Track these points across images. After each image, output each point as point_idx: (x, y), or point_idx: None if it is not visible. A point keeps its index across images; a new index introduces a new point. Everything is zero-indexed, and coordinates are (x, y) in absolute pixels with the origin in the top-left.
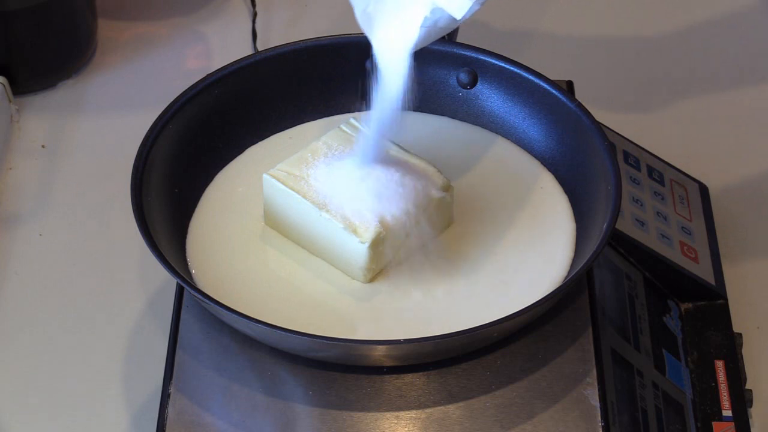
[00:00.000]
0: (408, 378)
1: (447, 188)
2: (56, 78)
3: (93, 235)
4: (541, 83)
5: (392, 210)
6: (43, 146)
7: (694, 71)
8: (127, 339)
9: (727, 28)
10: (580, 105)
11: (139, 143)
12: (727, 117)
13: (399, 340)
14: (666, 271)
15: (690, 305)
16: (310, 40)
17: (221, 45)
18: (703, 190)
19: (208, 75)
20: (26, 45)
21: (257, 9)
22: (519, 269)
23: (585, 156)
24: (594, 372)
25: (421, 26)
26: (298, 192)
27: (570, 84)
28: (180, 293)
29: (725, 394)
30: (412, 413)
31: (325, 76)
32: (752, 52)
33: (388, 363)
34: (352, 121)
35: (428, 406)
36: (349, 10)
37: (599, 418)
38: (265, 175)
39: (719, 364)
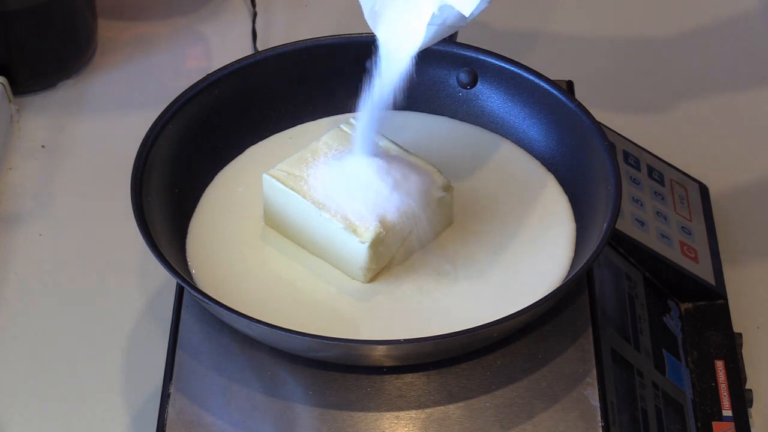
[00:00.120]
0: (408, 378)
1: (447, 188)
2: (56, 78)
3: (93, 235)
4: (541, 83)
5: (392, 210)
6: (43, 146)
7: (694, 71)
8: (127, 339)
9: (728, 29)
10: (580, 105)
11: (139, 143)
12: (727, 117)
13: (399, 340)
14: (666, 271)
15: (690, 305)
16: (310, 40)
17: (221, 45)
18: (703, 190)
19: (208, 75)
20: (26, 45)
21: (257, 9)
22: (519, 269)
23: (585, 156)
24: (594, 372)
25: (429, 24)
26: (298, 192)
27: (570, 84)
28: (180, 293)
29: (725, 394)
30: (412, 413)
31: (325, 76)
32: (752, 53)
33: (388, 363)
34: (352, 121)
35: (428, 406)
36: (349, 11)
37: (599, 418)
38: (265, 175)
39: (719, 364)
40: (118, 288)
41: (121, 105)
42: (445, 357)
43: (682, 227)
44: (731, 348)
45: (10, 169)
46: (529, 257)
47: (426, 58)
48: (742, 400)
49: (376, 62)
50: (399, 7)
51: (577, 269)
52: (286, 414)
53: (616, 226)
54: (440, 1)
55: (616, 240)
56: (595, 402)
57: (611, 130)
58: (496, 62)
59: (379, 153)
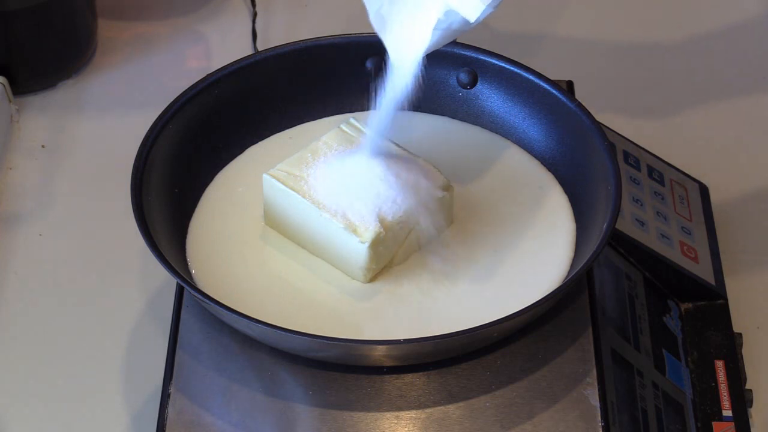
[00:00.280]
0: (408, 378)
1: (447, 188)
2: (56, 78)
3: (93, 235)
4: (541, 83)
5: (392, 210)
6: (43, 146)
7: (694, 71)
8: (127, 339)
9: (728, 30)
10: (580, 105)
11: (139, 143)
12: (728, 117)
13: (399, 340)
14: (666, 271)
15: (690, 305)
16: (310, 40)
17: (221, 45)
18: (703, 190)
19: (208, 75)
20: (26, 45)
21: (257, 9)
22: (519, 269)
23: (585, 156)
24: (594, 372)
25: (435, 29)
26: (298, 192)
27: (570, 84)
28: (180, 293)
29: (725, 394)
30: (412, 413)
31: (325, 76)
32: (753, 54)
33: (388, 363)
34: (352, 121)
35: (428, 406)
36: (349, 11)
37: (599, 418)
38: (265, 175)
39: (719, 364)
40: (118, 288)
41: (121, 105)
42: (445, 357)
43: (682, 227)
44: (731, 348)
45: (10, 169)
46: (529, 257)
47: (426, 58)
48: (742, 400)
49: (386, 63)
50: (405, 11)
51: (577, 269)
52: (286, 414)
53: (616, 226)
54: (446, 6)
55: (616, 240)
56: (595, 402)
57: (611, 130)
58: (496, 62)
59: (379, 153)
